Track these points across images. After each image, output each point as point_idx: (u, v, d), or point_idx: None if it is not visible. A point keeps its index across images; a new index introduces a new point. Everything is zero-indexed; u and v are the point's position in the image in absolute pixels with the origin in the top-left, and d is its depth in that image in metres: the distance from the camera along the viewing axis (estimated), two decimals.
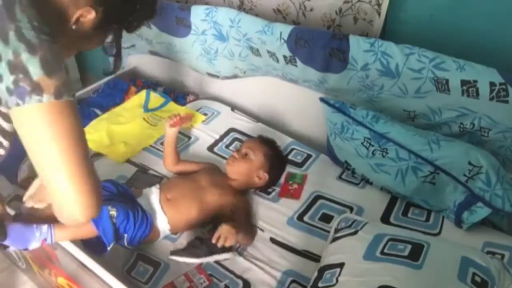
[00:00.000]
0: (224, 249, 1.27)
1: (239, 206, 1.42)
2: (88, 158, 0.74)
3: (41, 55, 0.65)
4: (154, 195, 1.38)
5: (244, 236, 1.31)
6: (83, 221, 0.75)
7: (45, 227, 1.10)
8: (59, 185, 0.71)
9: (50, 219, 1.14)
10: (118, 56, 0.87)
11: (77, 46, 0.83)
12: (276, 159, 1.54)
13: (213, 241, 1.23)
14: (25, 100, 0.65)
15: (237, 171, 1.48)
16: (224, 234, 1.23)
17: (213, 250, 1.28)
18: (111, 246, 1.18)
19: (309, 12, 1.68)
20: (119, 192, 1.35)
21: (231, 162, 1.49)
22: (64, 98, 0.67)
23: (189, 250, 1.31)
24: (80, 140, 0.72)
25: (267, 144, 1.55)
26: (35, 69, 0.64)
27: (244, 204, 1.45)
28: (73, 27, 0.75)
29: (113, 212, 1.18)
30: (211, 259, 1.29)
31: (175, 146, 1.57)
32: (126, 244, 1.24)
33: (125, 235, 1.21)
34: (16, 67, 0.64)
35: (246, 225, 1.37)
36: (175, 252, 1.31)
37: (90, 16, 0.74)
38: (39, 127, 0.67)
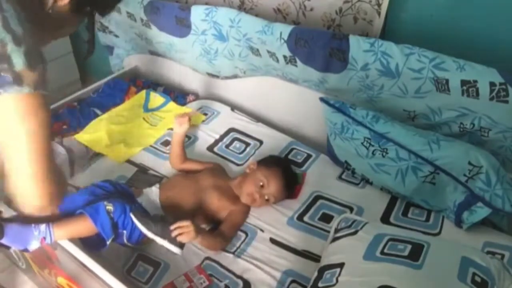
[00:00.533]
0: (175, 241, 1.21)
1: (234, 215, 1.40)
2: (50, 150, 0.79)
3: (25, 47, 0.68)
4: (154, 194, 1.38)
5: (208, 242, 1.29)
6: (45, 206, 0.82)
7: (43, 226, 1.10)
8: (26, 173, 0.77)
9: (48, 219, 1.14)
10: (91, 41, 0.89)
11: (53, 32, 0.83)
12: (290, 193, 1.51)
13: (171, 228, 1.21)
14: (6, 89, 0.69)
15: (251, 203, 1.44)
16: (183, 229, 1.21)
17: (164, 234, 1.21)
18: (110, 241, 1.18)
19: (309, 12, 1.68)
20: (117, 190, 1.35)
21: (250, 201, 1.42)
22: (40, 91, 0.72)
23: (148, 220, 1.21)
24: (47, 134, 0.76)
25: (290, 187, 1.48)
26: (18, 60, 0.68)
27: (239, 214, 1.41)
28: (50, 11, 0.75)
29: (110, 207, 1.18)
30: (158, 240, 1.20)
31: (183, 145, 1.57)
32: (125, 240, 1.24)
33: (124, 231, 1.21)
34: (1, 57, 0.67)
35: (226, 234, 1.35)
36: (136, 214, 1.21)
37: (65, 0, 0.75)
38: (13, 116, 0.72)
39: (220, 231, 1.35)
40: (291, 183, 1.49)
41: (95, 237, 1.19)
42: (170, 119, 1.88)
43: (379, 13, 1.50)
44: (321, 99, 1.59)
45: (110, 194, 1.31)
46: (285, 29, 1.55)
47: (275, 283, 1.24)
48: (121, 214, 1.19)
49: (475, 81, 1.27)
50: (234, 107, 1.98)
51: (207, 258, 1.31)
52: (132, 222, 1.21)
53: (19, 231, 1.08)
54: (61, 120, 1.86)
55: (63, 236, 1.15)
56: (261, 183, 1.41)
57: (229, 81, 1.99)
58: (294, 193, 1.52)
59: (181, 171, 1.58)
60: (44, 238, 1.10)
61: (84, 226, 1.15)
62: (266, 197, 1.42)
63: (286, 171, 1.49)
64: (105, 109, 1.95)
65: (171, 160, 1.59)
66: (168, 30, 1.90)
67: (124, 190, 1.38)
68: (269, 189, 1.42)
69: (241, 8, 1.84)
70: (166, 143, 1.76)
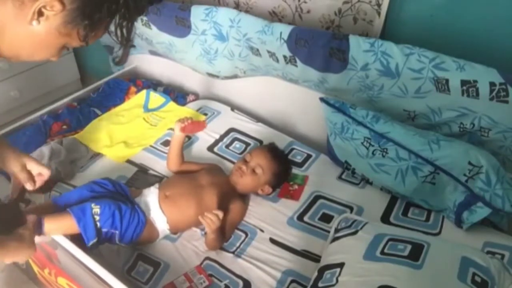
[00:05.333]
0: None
1: (232, 213, 1.41)
2: None
3: None
4: (153, 194, 1.38)
5: (216, 240, 1.30)
6: None
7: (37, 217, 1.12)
8: None
9: (45, 211, 1.18)
10: (125, 45, 0.80)
11: (53, 44, 0.72)
12: (284, 175, 1.53)
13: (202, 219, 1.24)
14: None
15: (242, 184, 1.46)
16: (213, 218, 1.24)
17: None
18: (91, 243, 1.18)
19: (306, 14, 1.68)
20: (115, 189, 1.35)
21: (239, 175, 1.45)
22: None
23: None
24: None
25: (278, 160, 1.49)
26: None
27: (237, 212, 1.42)
28: (34, 23, 0.66)
29: (97, 209, 1.19)
30: None
31: (181, 148, 1.56)
32: (117, 241, 1.25)
33: (116, 232, 1.22)
34: None
35: (225, 233, 1.36)
36: None
37: (55, 8, 0.65)
38: None
39: (220, 230, 1.35)
40: (279, 157, 1.51)
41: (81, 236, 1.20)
42: (170, 119, 1.88)
43: (379, 13, 1.50)
44: (321, 99, 1.59)
45: (106, 193, 1.32)
46: (285, 29, 1.55)
47: (275, 283, 1.24)
48: (109, 217, 1.20)
49: (475, 81, 1.27)
50: (234, 107, 1.98)
51: (207, 258, 1.32)
52: (121, 224, 1.21)
53: None
54: (61, 120, 1.86)
55: (52, 230, 1.16)
56: (247, 158, 1.48)
57: (229, 81, 1.99)
58: (296, 193, 1.53)
59: (178, 173, 1.58)
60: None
61: (69, 225, 1.17)
62: (254, 168, 1.44)
63: (271, 146, 1.55)
64: (105, 109, 1.95)
65: (169, 163, 1.58)
66: (168, 30, 1.90)
67: (122, 190, 1.38)
68: (255, 160, 1.46)
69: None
70: (166, 143, 1.75)
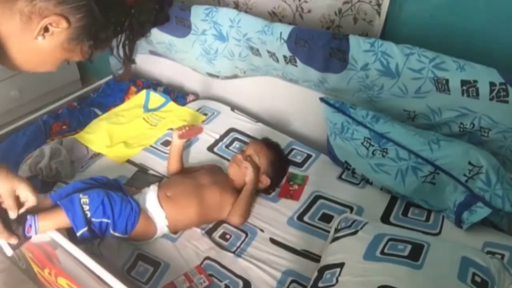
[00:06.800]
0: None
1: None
2: None
3: None
4: (151, 192, 1.39)
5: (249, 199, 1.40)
6: None
7: (30, 216, 1.12)
8: None
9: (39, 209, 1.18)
10: (127, 63, 0.81)
11: (56, 58, 0.75)
12: (280, 164, 1.54)
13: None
14: None
15: (238, 173, 1.47)
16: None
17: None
18: (81, 231, 1.19)
19: (306, 14, 1.68)
20: (110, 184, 1.36)
21: (235, 165, 1.48)
22: None
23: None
24: None
25: (272, 148, 1.54)
26: None
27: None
28: (39, 38, 0.68)
29: (85, 199, 1.20)
30: None
31: (181, 155, 1.56)
32: (111, 231, 1.25)
33: (108, 221, 1.22)
34: None
35: (243, 205, 1.41)
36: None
37: (61, 26, 0.67)
38: None
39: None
40: (274, 147, 1.56)
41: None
42: (170, 119, 1.89)
43: (379, 13, 1.50)
44: (321, 99, 1.59)
45: (98, 185, 1.33)
46: (285, 29, 1.55)
47: (275, 283, 1.24)
48: (99, 205, 1.21)
49: (475, 81, 1.27)
50: (234, 107, 1.98)
51: (207, 258, 1.31)
52: (113, 211, 1.21)
53: None
54: (61, 120, 1.86)
55: (47, 226, 1.16)
56: (243, 149, 1.55)
57: (229, 81, 1.99)
58: (296, 193, 1.53)
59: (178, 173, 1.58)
60: (30, 226, 1.12)
61: (60, 217, 1.17)
62: (248, 154, 1.49)
63: (265, 138, 1.61)
64: (105, 109, 1.96)
65: (169, 169, 1.58)
66: (168, 30, 1.89)
67: (117, 184, 1.38)
68: (250, 149, 1.52)
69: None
70: (166, 143, 1.76)
